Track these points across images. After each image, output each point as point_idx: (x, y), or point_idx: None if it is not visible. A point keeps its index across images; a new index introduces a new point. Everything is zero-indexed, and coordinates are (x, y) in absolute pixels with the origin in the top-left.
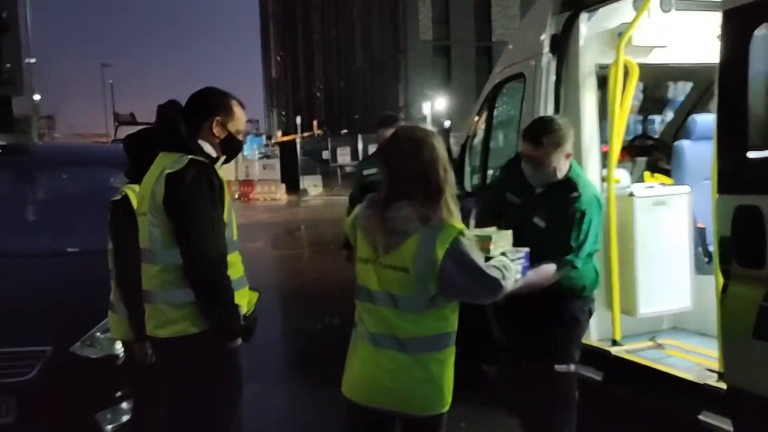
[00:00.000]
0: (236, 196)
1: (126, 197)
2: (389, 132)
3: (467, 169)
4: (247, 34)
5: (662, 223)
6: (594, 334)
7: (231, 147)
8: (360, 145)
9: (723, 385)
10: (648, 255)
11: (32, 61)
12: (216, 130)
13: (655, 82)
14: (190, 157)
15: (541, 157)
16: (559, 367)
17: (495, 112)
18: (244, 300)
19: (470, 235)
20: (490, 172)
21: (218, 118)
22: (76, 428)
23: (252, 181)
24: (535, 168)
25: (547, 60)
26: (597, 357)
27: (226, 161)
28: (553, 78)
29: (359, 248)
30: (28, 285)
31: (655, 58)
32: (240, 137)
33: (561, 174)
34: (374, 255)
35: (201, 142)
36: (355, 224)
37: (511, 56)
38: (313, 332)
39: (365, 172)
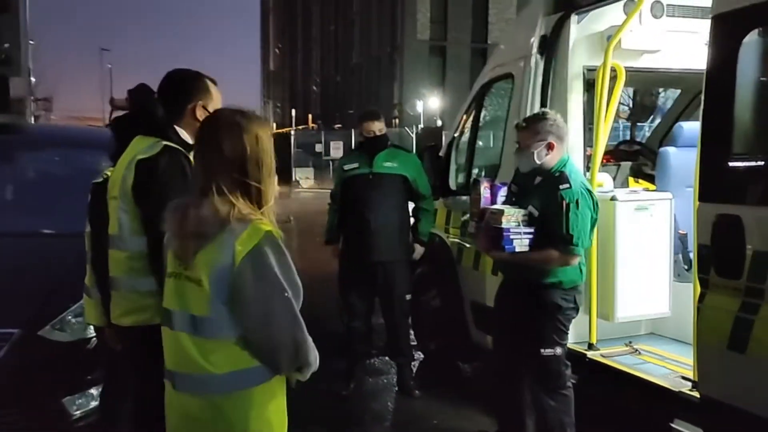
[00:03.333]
0: None
1: (108, 180)
2: (371, 126)
3: (452, 168)
4: (247, 25)
5: (643, 228)
6: (570, 337)
7: None
8: (353, 140)
9: (697, 394)
10: (628, 259)
11: (31, 42)
12: (199, 114)
13: (645, 88)
14: (164, 143)
15: (520, 140)
16: (546, 351)
17: (483, 112)
18: None
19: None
20: (475, 171)
21: (200, 102)
22: (43, 413)
23: None
24: (518, 151)
25: (536, 60)
26: (572, 359)
27: None
28: (540, 79)
29: (168, 261)
30: None
31: (644, 62)
32: None
33: (540, 161)
34: (179, 267)
35: (178, 128)
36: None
37: (500, 56)
38: None
39: (346, 167)
